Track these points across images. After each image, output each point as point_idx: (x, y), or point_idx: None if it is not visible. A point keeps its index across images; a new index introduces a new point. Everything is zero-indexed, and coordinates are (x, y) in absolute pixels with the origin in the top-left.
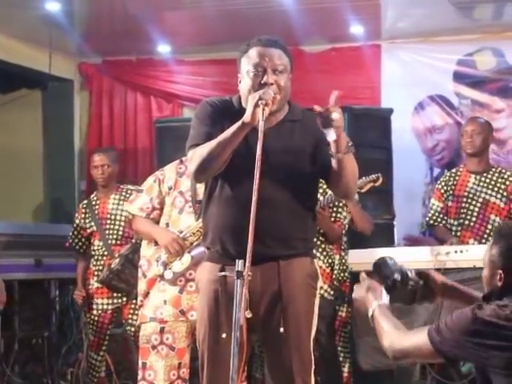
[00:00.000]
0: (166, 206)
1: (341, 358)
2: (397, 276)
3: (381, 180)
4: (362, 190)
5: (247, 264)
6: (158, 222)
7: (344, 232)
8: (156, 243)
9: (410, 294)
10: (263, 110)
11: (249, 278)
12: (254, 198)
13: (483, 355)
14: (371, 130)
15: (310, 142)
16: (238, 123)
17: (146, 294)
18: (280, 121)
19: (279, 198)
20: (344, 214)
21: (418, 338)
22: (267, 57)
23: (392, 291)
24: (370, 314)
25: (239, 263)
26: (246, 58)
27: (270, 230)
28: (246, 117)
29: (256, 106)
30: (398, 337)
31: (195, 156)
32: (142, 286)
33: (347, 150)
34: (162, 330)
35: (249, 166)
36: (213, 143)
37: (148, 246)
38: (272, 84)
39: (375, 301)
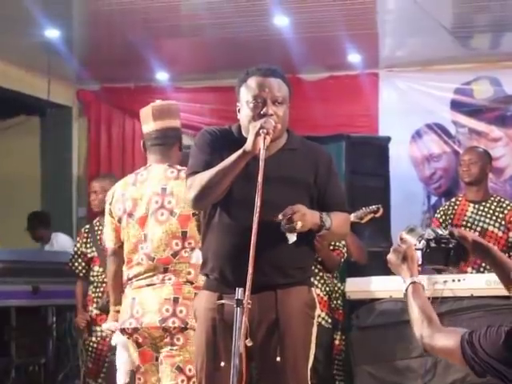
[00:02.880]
0: None
1: None
2: (429, 234)
3: (381, 211)
4: (362, 221)
5: (247, 292)
6: None
7: (342, 260)
8: None
9: (444, 253)
10: (264, 138)
11: (249, 306)
12: (255, 226)
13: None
14: (369, 158)
15: (309, 172)
16: (239, 152)
17: None
18: (279, 149)
19: (277, 227)
20: (343, 242)
21: (450, 343)
22: (267, 87)
23: (426, 251)
24: (403, 289)
25: (239, 291)
26: (245, 88)
27: (268, 258)
28: (248, 145)
29: (257, 134)
30: (430, 333)
31: (194, 184)
32: None
33: (320, 227)
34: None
35: (248, 194)
36: (213, 171)
37: None
38: (272, 115)
39: (410, 277)
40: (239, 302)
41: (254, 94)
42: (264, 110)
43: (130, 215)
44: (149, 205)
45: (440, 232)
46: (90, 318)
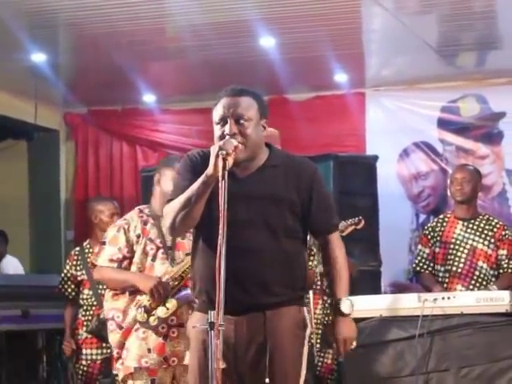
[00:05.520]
0: (137, 254)
1: None
2: None
3: (363, 223)
4: (343, 234)
5: (220, 314)
6: None
7: (317, 279)
8: (132, 292)
9: None
10: (225, 160)
11: (222, 328)
12: (223, 248)
13: None
14: (357, 177)
15: (291, 188)
16: (203, 176)
17: (122, 345)
18: (260, 167)
19: (262, 246)
20: (315, 262)
21: None
22: (231, 107)
23: None
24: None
25: (211, 314)
26: (215, 111)
27: (254, 278)
28: (209, 169)
29: (217, 156)
30: None
31: (168, 211)
32: (116, 337)
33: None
34: (152, 383)
35: (228, 216)
36: (181, 198)
37: (114, 299)
38: (234, 134)
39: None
40: (212, 325)
41: (219, 115)
42: (226, 129)
43: None
44: None
45: None
46: (80, 341)
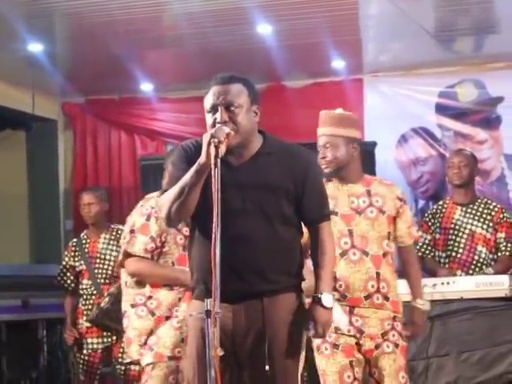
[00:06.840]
0: (168, 246)
1: None
2: None
3: None
4: None
5: (216, 302)
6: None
7: None
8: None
9: None
10: (217, 147)
11: (219, 316)
12: (218, 236)
13: None
14: None
15: (286, 176)
16: (196, 164)
17: (150, 332)
18: (254, 155)
19: (257, 234)
20: None
21: None
22: (221, 95)
23: None
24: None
25: (207, 302)
26: (206, 99)
27: (250, 266)
28: (201, 157)
29: (209, 144)
30: None
31: (163, 202)
32: (146, 324)
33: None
34: (177, 369)
35: (223, 204)
36: (176, 188)
37: (138, 284)
38: (225, 122)
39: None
40: (209, 313)
41: (209, 103)
42: (216, 117)
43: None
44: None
45: None
46: (80, 330)
